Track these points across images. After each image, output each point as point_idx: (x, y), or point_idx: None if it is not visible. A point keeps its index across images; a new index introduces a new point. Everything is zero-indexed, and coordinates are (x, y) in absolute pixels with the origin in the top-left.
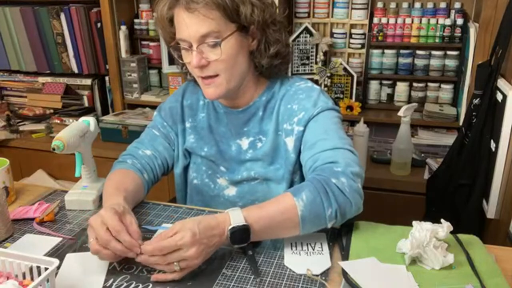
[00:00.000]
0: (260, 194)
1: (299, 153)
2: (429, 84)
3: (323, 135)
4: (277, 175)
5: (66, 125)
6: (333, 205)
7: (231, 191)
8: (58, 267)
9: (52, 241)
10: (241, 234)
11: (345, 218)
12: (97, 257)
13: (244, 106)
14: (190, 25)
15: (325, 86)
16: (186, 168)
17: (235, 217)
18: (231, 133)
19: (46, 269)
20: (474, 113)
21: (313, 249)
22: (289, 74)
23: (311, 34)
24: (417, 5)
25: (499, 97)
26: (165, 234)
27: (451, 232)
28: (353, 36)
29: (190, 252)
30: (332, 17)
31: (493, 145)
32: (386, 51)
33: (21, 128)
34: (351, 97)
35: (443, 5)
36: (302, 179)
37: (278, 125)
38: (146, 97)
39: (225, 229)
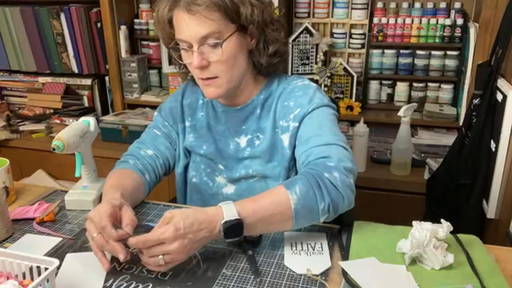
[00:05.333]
0: (258, 192)
1: (294, 149)
2: (429, 84)
3: (317, 130)
4: (275, 173)
5: (66, 125)
6: (326, 199)
7: (230, 189)
8: (58, 267)
9: (52, 241)
10: (234, 228)
11: (337, 213)
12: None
13: (242, 105)
14: (191, 26)
15: (325, 86)
16: (186, 167)
17: (228, 211)
18: (229, 131)
19: (46, 269)
20: (474, 113)
21: (313, 249)
22: (289, 74)
23: (311, 34)
24: (417, 5)
25: (499, 97)
26: (162, 221)
27: (451, 232)
28: (353, 36)
29: (172, 247)
30: (332, 17)
31: (493, 145)
32: (386, 51)
33: (21, 128)
34: (351, 97)
35: (443, 5)
36: None
37: (275, 122)
38: (146, 97)
39: (217, 224)
